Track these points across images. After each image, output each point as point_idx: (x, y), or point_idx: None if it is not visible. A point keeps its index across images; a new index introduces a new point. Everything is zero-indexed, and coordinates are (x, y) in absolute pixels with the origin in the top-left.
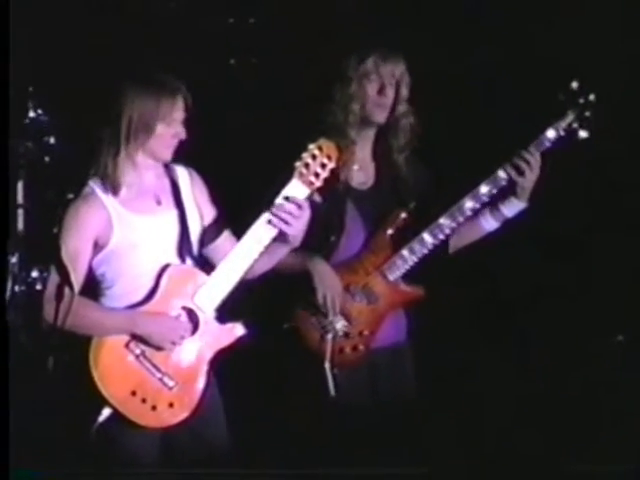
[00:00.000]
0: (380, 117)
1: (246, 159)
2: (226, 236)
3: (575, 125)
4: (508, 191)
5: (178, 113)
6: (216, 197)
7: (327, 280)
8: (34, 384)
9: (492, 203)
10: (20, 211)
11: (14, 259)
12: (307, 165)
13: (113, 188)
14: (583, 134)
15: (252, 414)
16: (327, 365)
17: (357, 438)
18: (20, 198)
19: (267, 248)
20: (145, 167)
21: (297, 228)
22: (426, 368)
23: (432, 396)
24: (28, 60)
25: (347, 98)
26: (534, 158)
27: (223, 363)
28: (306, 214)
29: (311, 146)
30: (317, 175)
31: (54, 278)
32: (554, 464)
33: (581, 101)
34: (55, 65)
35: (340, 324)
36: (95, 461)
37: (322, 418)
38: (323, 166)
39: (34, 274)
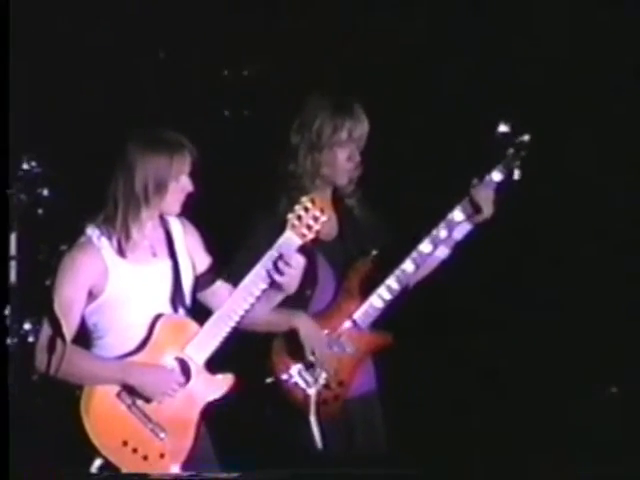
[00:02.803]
0: (344, 180)
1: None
2: (221, 283)
3: (513, 165)
4: None
5: (186, 167)
6: (210, 245)
7: (314, 335)
8: (26, 433)
9: None
10: (12, 263)
11: (6, 311)
12: (299, 217)
13: (119, 243)
14: (517, 175)
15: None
16: (312, 418)
17: None
18: (13, 250)
19: (263, 293)
20: (148, 220)
21: (292, 276)
22: (394, 415)
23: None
24: (23, 113)
25: (317, 165)
26: (487, 198)
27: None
28: (300, 263)
29: (304, 199)
30: (309, 227)
31: (46, 329)
32: None
33: (516, 142)
34: (49, 117)
35: (323, 375)
36: None
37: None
38: (315, 219)
39: (27, 326)
